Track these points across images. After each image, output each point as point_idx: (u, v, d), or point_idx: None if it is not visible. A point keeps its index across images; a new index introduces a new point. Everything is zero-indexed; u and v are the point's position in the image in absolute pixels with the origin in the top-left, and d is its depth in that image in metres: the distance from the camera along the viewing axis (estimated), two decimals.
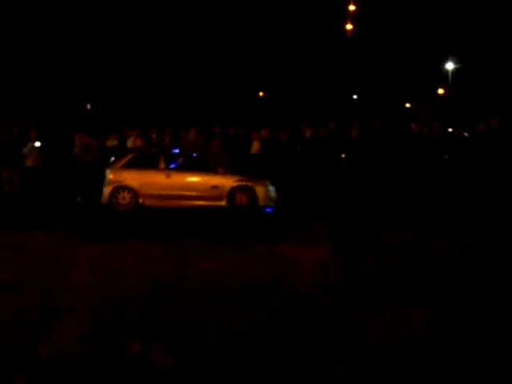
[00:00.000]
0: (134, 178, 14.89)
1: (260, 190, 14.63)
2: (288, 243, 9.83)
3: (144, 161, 15.12)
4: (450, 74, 43.25)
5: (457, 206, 13.64)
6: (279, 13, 45.83)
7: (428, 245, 9.77)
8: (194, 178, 14.94)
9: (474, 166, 14.54)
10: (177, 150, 15.56)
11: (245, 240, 10.29)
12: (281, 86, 48.05)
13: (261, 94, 51.14)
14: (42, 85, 38.22)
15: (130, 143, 17.56)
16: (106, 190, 14.86)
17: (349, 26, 40.77)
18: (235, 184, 14.63)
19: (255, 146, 17.00)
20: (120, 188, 14.84)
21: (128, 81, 41.96)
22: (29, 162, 16.88)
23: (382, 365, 5.04)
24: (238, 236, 10.84)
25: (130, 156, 15.27)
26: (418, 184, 14.92)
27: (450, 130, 17.88)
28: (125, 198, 14.82)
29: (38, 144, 17.04)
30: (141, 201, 14.77)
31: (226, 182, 14.67)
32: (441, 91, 46.06)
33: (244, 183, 14.67)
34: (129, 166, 15.05)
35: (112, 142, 17.67)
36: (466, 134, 16.59)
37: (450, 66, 42.82)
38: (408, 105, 49.13)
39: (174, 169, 15.05)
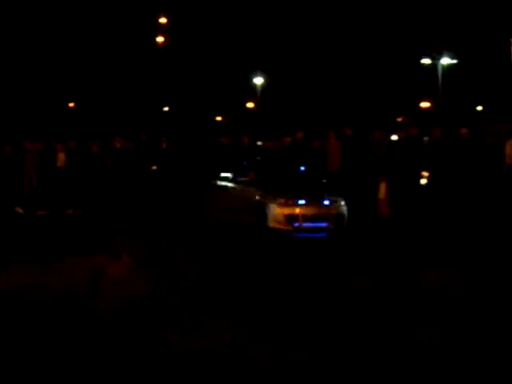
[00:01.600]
0: None
1: (271, 208, 11.55)
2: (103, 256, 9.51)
3: None
4: (258, 89, 44.55)
5: None
6: (91, 23, 45.17)
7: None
8: None
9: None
10: None
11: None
12: (92, 96, 47.22)
13: (71, 104, 49.84)
14: None
15: None
16: None
17: (160, 39, 40.87)
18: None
19: (61, 158, 16.46)
20: None
21: None
22: None
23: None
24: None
25: None
26: None
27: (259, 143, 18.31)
28: None
29: None
30: None
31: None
32: (250, 105, 47.35)
33: (258, 198, 11.88)
34: None
35: None
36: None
37: (258, 80, 44.09)
38: (219, 118, 50.11)
39: None
